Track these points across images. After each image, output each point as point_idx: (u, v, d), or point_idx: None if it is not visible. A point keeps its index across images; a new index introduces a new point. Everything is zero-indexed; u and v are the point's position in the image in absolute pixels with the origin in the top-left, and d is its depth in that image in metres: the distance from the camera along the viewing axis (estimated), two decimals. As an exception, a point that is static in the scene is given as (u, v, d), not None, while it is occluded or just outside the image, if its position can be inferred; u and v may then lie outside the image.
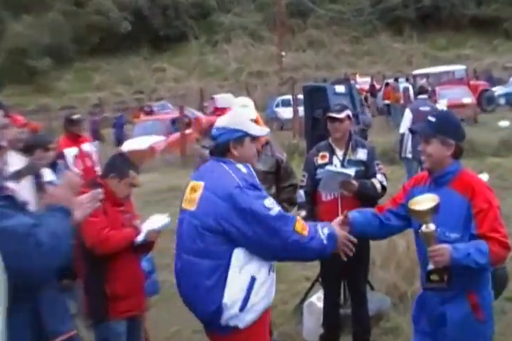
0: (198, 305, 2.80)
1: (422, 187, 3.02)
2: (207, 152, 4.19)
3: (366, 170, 4.16)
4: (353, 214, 3.10)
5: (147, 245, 3.51)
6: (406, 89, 17.19)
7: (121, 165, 3.49)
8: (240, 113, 3.28)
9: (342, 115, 4.17)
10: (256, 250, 2.73)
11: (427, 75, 23.31)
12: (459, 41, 42.90)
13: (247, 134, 2.91)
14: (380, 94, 24.17)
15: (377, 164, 4.29)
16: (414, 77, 23.71)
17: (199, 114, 22.95)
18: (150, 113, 24.37)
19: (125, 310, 3.38)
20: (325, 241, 2.75)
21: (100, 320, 3.37)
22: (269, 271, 2.82)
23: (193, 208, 2.83)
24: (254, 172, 2.90)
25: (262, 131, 3.08)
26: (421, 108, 8.13)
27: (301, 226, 2.73)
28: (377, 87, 26.62)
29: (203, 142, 4.57)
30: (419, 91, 8.85)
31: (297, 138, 15.01)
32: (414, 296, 4.78)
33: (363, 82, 28.41)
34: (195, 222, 2.79)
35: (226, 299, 2.69)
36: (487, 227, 2.75)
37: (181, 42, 43.37)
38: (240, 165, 2.85)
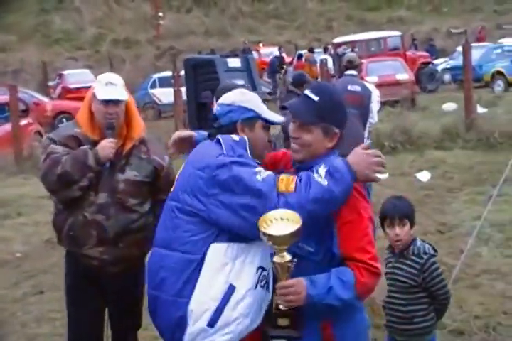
0: (162, 311, 2.91)
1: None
2: (58, 148, 4.10)
3: None
4: None
5: None
6: (324, 63, 17.59)
7: None
8: (246, 92, 3.27)
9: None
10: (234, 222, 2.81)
11: (352, 44, 24.03)
12: (393, 0, 44.60)
13: (259, 117, 3.07)
14: (291, 68, 24.67)
15: None
16: (336, 46, 24.37)
17: (41, 98, 22.42)
18: None
19: None
20: (324, 183, 2.74)
21: None
22: (257, 284, 2.87)
23: (172, 188, 3.07)
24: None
25: (278, 117, 3.19)
26: (349, 87, 8.32)
27: (285, 184, 2.78)
28: (287, 59, 27.15)
29: (49, 134, 4.37)
30: (347, 66, 9.07)
31: (181, 129, 14.93)
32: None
33: (269, 54, 28.99)
34: (170, 203, 3.01)
35: (193, 305, 2.80)
36: (353, 246, 2.80)
37: (10, -4, 41.91)
38: (235, 136, 2.99)
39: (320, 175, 2.75)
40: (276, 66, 24.19)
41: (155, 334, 5.40)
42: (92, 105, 4.07)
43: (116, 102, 4.02)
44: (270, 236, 2.70)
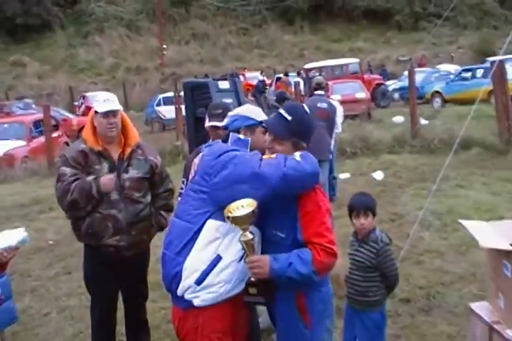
0: (166, 266, 3.01)
1: None
2: (66, 170, 4.09)
3: None
4: None
5: (1, 265, 3.30)
6: (297, 84, 17.67)
7: None
8: (253, 106, 3.45)
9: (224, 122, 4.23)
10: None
11: (320, 69, 24.08)
12: (352, 33, 44.81)
13: (260, 123, 3.17)
14: (272, 89, 24.67)
15: None
16: (307, 70, 24.43)
17: (68, 115, 22.33)
18: (8, 114, 22.90)
19: None
20: (299, 159, 2.89)
21: None
22: (241, 258, 2.89)
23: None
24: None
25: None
26: (318, 104, 8.40)
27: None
28: (268, 82, 27.15)
29: (63, 152, 4.39)
30: (316, 87, 9.09)
31: (181, 140, 14.95)
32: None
33: (253, 77, 28.95)
34: (189, 185, 3.11)
35: (187, 263, 2.89)
36: (312, 232, 2.80)
37: (44, 34, 41.52)
38: (241, 136, 3.15)
39: (295, 156, 2.86)
40: (260, 88, 24.19)
41: (161, 305, 5.46)
42: (95, 121, 4.11)
43: (114, 113, 4.06)
44: (232, 218, 2.78)
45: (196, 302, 2.91)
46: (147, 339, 4.61)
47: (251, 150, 3.06)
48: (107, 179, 3.94)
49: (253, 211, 2.77)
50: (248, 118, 3.22)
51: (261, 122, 3.18)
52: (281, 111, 2.98)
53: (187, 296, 2.92)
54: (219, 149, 3.01)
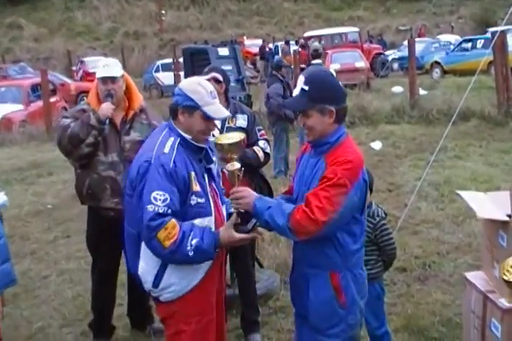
0: (131, 267, 2.98)
1: (303, 154, 2.99)
2: (66, 120, 4.10)
3: (247, 137, 4.14)
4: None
5: None
6: (296, 53, 17.53)
7: None
8: (203, 81, 3.00)
9: (220, 76, 4.20)
10: None
11: (319, 37, 23.84)
12: (352, 2, 44.24)
13: (199, 108, 2.84)
14: (277, 57, 24.51)
15: (259, 130, 4.31)
16: (306, 39, 24.16)
17: (66, 80, 22.13)
18: (4, 77, 22.70)
19: None
20: (190, 254, 2.71)
21: None
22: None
23: None
24: (193, 145, 2.90)
25: (218, 113, 2.91)
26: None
27: (166, 235, 2.68)
28: (268, 49, 26.93)
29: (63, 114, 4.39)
30: (314, 55, 9.00)
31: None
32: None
33: (251, 45, 28.70)
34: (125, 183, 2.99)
35: (140, 270, 2.86)
36: (313, 192, 2.65)
37: (41, -5, 40.93)
38: (174, 138, 2.86)
39: (191, 245, 2.69)
40: (265, 55, 24.12)
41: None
42: (98, 87, 4.11)
43: (112, 79, 4.02)
44: (221, 146, 2.80)
45: (162, 299, 2.90)
46: (146, 302, 4.64)
47: (186, 132, 2.87)
48: (106, 104, 3.97)
49: (242, 141, 2.80)
50: (189, 98, 2.84)
51: (200, 107, 2.86)
52: (302, 84, 2.83)
53: (152, 294, 2.93)
54: (140, 166, 2.82)
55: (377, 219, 3.70)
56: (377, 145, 10.64)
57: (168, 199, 2.70)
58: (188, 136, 2.87)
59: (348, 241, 2.76)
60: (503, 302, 3.37)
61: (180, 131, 2.88)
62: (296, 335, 3.06)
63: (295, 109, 2.84)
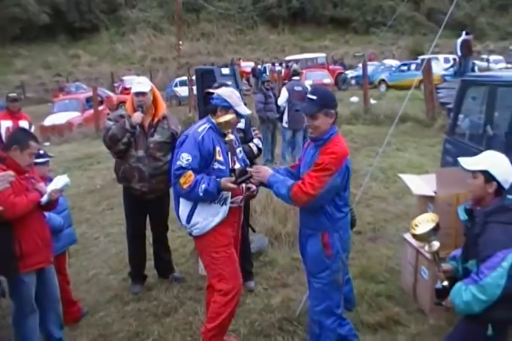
0: (175, 211, 3.18)
1: (307, 147, 2.96)
2: (110, 122, 4.04)
3: (245, 136, 4.10)
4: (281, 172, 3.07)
5: (52, 203, 3.22)
6: (279, 72, 17.42)
7: (22, 137, 3.11)
8: (234, 90, 3.22)
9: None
10: None
11: (296, 61, 23.62)
12: (321, 35, 43.95)
13: (232, 108, 3.05)
14: (264, 75, 24.28)
15: (254, 130, 4.26)
16: (287, 62, 23.95)
17: (110, 93, 21.91)
18: (68, 93, 22.93)
19: (33, 264, 3.12)
20: (201, 194, 2.93)
21: (11, 274, 3.08)
22: (212, 202, 3.01)
23: None
24: (219, 131, 3.04)
25: (245, 111, 3.13)
26: (295, 87, 8.23)
27: (184, 181, 2.93)
28: (258, 69, 26.62)
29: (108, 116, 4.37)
30: (293, 73, 8.88)
31: (192, 112, 14.71)
32: (287, 236, 4.95)
33: (246, 66, 28.43)
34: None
35: (180, 212, 3.10)
36: (307, 173, 2.70)
37: (94, 33, 40.59)
38: (207, 125, 3.07)
39: (201, 188, 2.92)
40: (256, 73, 23.94)
41: (178, 234, 5.45)
42: (132, 98, 4.09)
43: (143, 93, 4.01)
44: (219, 123, 2.94)
45: (193, 233, 3.10)
46: (169, 258, 4.61)
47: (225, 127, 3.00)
48: (137, 113, 3.97)
49: (232, 119, 2.96)
50: (224, 100, 3.06)
51: (232, 106, 3.07)
52: (309, 95, 2.80)
53: (187, 230, 3.13)
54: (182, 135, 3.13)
55: None
56: (339, 140, 10.55)
57: (191, 159, 2.94)
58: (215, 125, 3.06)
59: (334, 211, 2.78)
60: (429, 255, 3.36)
61: (215, 123, 3.05)
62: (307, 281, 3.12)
63: (308, 112, 2.78)
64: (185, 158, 2.94)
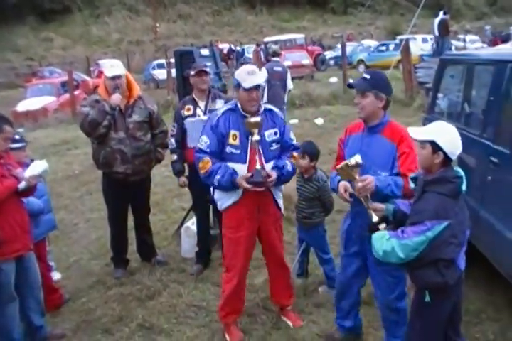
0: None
1: (356, 134, 2.84)
2: (86, 110, 3.94)
3: None
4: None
5: (29, 189, 3.12)
6: (259, 52, 17.23)
7: None
8: (246, 66, 3.18)
9: (208, 69, 4.21)
10: None
11: (275, 42, 23.39)
12: (299, 15, 43.48)
13: (240, 85, 3.02)
14: (245, 56, 24.08)
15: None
16: (265, 43, 23.72)
17: (86, 77, 21.44)
18: (41, 77, 22.52)
19: (11, 251, 3.03)
20: (215, 183, 3.06)
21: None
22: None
23: None
24: (239, 113, 3.08)
25: (249, 84, 3.00)
26: (274, 68, 8.11)
27: (202, 165, 3.07)
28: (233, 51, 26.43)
29: (81, 103, 4.26)
30: (273, 54, 8.74)
31: (171, 95, 14.49)
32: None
33: (223, 48, 28.10)
34: None
35: (211, 189, 3.29)
36: (406, 167, 2.62)
37: (66, 15, 39.12)
38: (228, 107, 3.14)
39: (215, 179, 3.05)
40: (229, 54, 23.66)
41: (160, 218, 5.40)
42: (105, 82, 4.03)
43: (118, 76, 3.97)
44: (248, 123, 2.96)
45: (219, 208, 3.25)
46: (151, 241, 4.58)
47: (241, 104, 3.07)
48: (115, 96, 3.93)
49: (262, 120, 3.01)
50: (235, 79, 3.07)
51: (240, 83, 3.03)
52: (364, 74, 2.74)
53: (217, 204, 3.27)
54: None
55: (321, 182, 3.65)
56: (319, 121, 10.58)
57: (209, 142, 3.06)
58: (240, 106, 3.08)
59: None
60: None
61: (238, 104, 3.09)
62: None
63: (359, 88, 2.70)
64: (203, 141, 3.07)
